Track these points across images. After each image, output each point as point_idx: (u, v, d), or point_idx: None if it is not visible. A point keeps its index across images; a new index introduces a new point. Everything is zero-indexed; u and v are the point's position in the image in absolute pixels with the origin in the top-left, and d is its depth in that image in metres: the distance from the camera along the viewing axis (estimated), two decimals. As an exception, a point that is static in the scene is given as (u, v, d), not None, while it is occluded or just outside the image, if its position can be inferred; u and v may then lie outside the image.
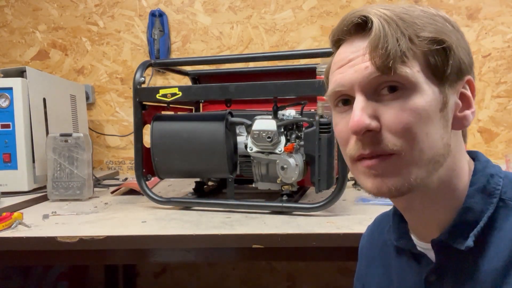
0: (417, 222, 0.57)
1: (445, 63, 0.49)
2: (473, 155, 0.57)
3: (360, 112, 0.49)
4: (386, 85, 0.49)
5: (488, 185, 0.52)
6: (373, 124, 0.48)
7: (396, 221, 0.61)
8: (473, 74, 0.54)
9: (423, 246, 0.57)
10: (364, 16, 0.50)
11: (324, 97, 0.57)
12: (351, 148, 0.52)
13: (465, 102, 0.52)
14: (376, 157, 0.49)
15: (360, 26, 0.51)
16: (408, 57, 0.48)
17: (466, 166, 0.54)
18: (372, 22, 0.49)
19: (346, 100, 0.53)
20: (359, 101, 0.50)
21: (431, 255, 0.55)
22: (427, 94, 0.48)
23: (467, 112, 0.52)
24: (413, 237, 0.58)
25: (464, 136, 0.56)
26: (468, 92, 0.53)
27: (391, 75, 0.48)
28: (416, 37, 0.48)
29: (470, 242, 0.50)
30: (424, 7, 0.52)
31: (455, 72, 0.50)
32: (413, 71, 0.48)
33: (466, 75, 0.52)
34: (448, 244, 0.52)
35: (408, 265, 0.59)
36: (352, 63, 0.51)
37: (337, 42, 0.55)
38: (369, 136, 0.49)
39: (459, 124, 0.52)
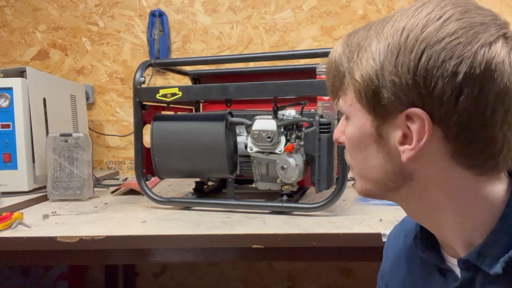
0: (440, 237, 0.55)
1: (374, 101, 0.48)
2: None
3: (336, 128, 0.59)
4: None
5: None
6: (341, 138, 0.57)
7: (423, 231, 0.58)
8: (432, 105, 0.45)
9: (451, 261, 0.55)
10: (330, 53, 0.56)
11: None
12: None
13: (405, 137, 0.48)
14: None
15: None
16: (346, 93, 0.52)
17: (468, 191, 0.49)
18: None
19: None
20: (341, 119, 0.58)
21: (458, 271, 0.52)
22: (356, 127, 0.52)
23: (403, 147, 0.48)
24: (442, 250, 0.57)
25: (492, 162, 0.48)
26: (411, 126, 0.47)
27: (335, 103, 0.56)
28: (349, 74, 0.51)
29: (499, 268, 0.46)
30: (404, 15, 0.48)
31: (387, 111, 0.48)
32: (346, 105, 0.53)
33: (406, 109, 0.46)
34: (475, 265, 0.49)
35: (433, 277, 0.57)
36: None
37: None
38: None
39: (403, 156, 0.48)
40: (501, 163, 0.48)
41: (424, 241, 0.58)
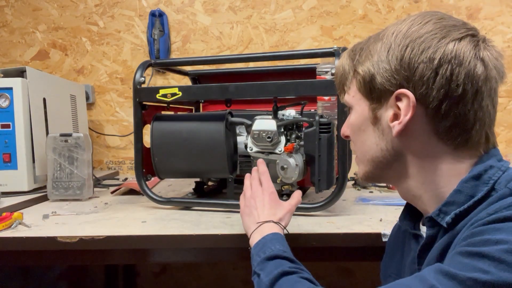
0: (421, 209, 0.64)
1: (371, 90, 0.61)
2: (488, 151, 0.60)
3: (343, 125, 0.71)
4: None
5: (484, 174, 0.56)
6: (346, 133, 0.70)
7: (407, 206, 0.70)
8: (422, 83, 0.56)
9: (423, 229, 0.64)
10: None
11: None
12: None
13: (395, 114, 0.59)
14: None
15: None
16: (350, 87, 0.65)
17: (444, 164, 0.59)
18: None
19: None
20: (349, 115, 0.69)
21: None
22: (358, 113, 0.64)
23: (394, 123, 0.59)
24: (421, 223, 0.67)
25: (469, 138, 0.59)
26: (400, 105, 0.58)
27: (343, 100, 0.68)
28: (352, 71, 0.64)
29: (448, 219, 0.56)
30: (398, 24, 0.61)
31: (377, 93, 0.60)
32: (349, 97, 0.66)
33: (395, 90, 0.58)
34: (435, 221, 0.58)
35: (410, 244, 0.68)
36: None
37: None
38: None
39: (394, 132, 0.59)
40: (473, 137, 0.58)
41: (404, 213, 0.70)
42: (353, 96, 0.65)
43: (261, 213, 0.83)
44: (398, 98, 0.58)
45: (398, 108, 0.58)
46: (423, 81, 0.56)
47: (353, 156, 0.71)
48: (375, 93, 0.60)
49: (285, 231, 0.82)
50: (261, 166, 0.92)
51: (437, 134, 0.58)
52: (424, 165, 0.60)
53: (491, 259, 0.42)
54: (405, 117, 0.57)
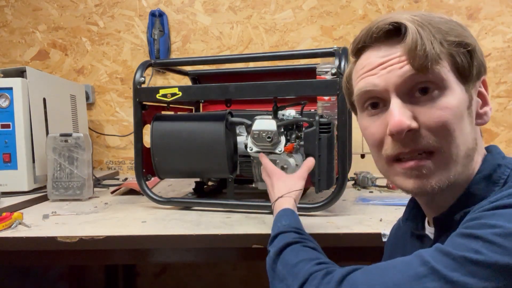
0: (432, 208, 0.60)
1: (470, 65, 0.53)
2: (489, 148, 0.60)
3: (399, 113, 0.51)
4: (420, 86, 0.52)
5: (494, 174, 0.55)
6: (414, 124, 0.51)
7: (410, 206, 0.67)
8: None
9: (431, 231, 0.61)
10: (396, 23, 0.53)
11: (355, 98, 0.60)
12: (388, 148, 0.55)
13: (483, 99, 0.57)
14: (416, 159, 0.53)
15: (390, 33, 0.54)
16: (441, 58, 0.51)
17: (480, 159, 0.57)
18: (406, 27, 0.52)
19: (375, 104, 0.56)
20: (396, 102, 0.53)
21: (432, 236, 0.60)
22: (457, 93, 0.52)
23: (486, 108, 0.57)
24: (426, 224, 0.64)
25: (481, 132, 0.60)
26: (484, 91, 0.57)
27: (427, 74, 0.51)
28: (444, 41, 0.52)
29: (457, 216, 0.54)
30: (439, 14, 0.56)
31: (477, 73, 0.54)
32: (445, 71, 0.52)
33: (483, 75, 0.57)
34: (444, 222, 0.56)
35: (414, 245, 0.65)
36: (385, 65, 0.54)
37: (360, 50, 0.58)
38: (409, 136, 0.52)
39: (481, 120, 0.57)
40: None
41: (407, 214, 0.67)
42: (448, 71, 0.52)
43: (272, 192, 0.91)
44: (483, 84, 0.57)
45: (480, 93, 0.57)
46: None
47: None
48: (471, 73, 0.54)
49: (298, 197, 0.88)
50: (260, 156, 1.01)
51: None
52: (472, 162, 0.56)
53: (484, 240, 0.43)
54: (489, 104, 0.58)
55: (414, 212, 0.67)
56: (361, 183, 1.44)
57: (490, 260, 0.42)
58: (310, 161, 0.95)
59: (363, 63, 0.57)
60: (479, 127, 0.58)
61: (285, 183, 0.89)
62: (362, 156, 1.63)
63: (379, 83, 0.54)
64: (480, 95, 0.57)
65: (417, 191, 0.54)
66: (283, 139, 1.10)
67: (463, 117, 0.52)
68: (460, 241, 0.45)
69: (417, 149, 0.53)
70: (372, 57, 0.56)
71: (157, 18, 1.91)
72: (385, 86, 0.53)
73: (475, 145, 0.55)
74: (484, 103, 0.57)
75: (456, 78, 0.53)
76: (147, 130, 1.20)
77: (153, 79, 1.95)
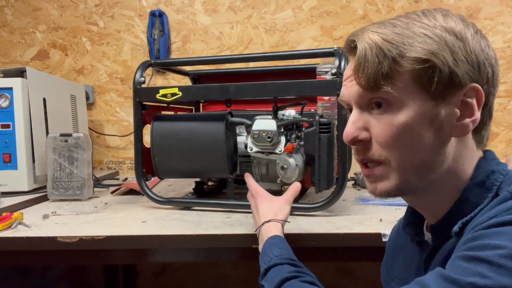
0: (427, 214, 0.62)
1: (431, 80, 0.51)
2: (484, 154, 0.59)
3: (350, 124, 0.56)
4: (373, 101, 0.55)
5: (487, 180, 0.55)
6: (362, 135, 0.56)
7: (409, 211, 0.67)
8: (483, 79, 0.55)
9: (429, 237, 0.62)
10: (352, 41, 0.56)
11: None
12: (353, 152, 0.59)
13: (467, 110, 0.54)
14: (368, 167, 0.57)
15: (351, 49, 0.56)
16: (391, 76, 0.52)
17: (471, 166, 0.57)
18: (356, 47, 0.54)
19: (351, 109, 0.59)
20: (353, 114, 0.57)
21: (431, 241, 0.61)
22: (410, 110, 0.53)
23: (467, 120, 0.54)
24: (424, 229, 0.64)
25: (481, 137, 0.58)
26: (471, 100, 0.53)
27: (375, 93, 0.53)
28: (401, 58, 0.52)
29: (456, 228, 0.53)
30: (430, 17, 0.54)
31: (446, 86, 0.52)
32: (396, 89, 0.52)
33: (467, 84, 0.53)
34: (442, 229, 0.57)
35: (414, 250, 0.66)
36: (350, 79, 0.57)
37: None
38: (361, 145, 0.57)
39: (458, 132, 0.54)
40: (487, 133, 0.58)
41: (406, 219, 0.67)
42: (402, 88, 0.52)
43: (257, 215, 0.87)
44: (469, 93, 0.53)
45: (464, 104, 0.53)
46: (487, 76, 0.55)
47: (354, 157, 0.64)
48: (432, 88, 0.52)
49: (284, 223, 0.85)
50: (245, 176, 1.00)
51: (475, 132, 0.56)
52: (457, 170, 0.56)
53: (490, 263, 0.42)
54: (477, 112, 0.53)
55: (412, 217, 0.66)
56: (361, 183, 1.44)
57: (498, 284, 0.41)
58: (296, 186, 0.92)
59: (345, 71, 0.60)
60: (469, 135, 0.56)
61: (269, 206, 0.86)
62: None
63: (345, 95, 0.58)
64: (464, 105, 0.53)
65: (371, 193, 0.59)
66: (283, 139, 1.10)
67: (415, 132, 0.53)
68: (465, 265, 0.44)
69: (366, 159, 0.57)
70: (348, 67, 0.59)
71: (157, 18, 1.91)
72: (348, 98, 0.57)
73: (441, 156, 0.54)
74: (467, 114, 0.54)
75: (414, 93, 0.52)
76: (147, 130, 1.20)
77: (153, 79, 1.95)
